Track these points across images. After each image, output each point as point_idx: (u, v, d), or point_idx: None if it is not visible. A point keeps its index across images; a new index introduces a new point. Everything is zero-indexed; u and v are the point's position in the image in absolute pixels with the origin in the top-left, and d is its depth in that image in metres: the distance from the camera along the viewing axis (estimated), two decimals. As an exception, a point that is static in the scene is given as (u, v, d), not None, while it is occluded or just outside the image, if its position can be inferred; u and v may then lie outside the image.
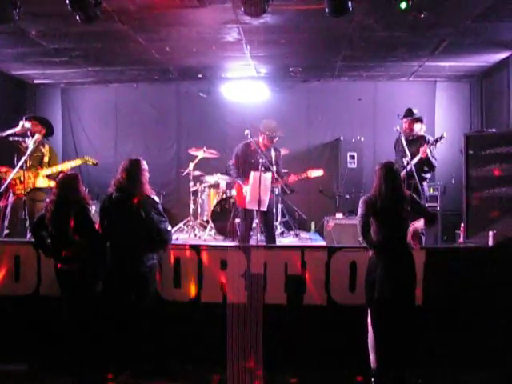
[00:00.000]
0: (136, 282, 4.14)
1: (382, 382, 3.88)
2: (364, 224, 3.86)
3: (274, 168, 6.02)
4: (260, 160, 5.72)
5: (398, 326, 3.80)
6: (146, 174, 4.27)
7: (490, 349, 4.31)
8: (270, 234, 6.13)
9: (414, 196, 4.10)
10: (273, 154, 6.12)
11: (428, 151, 5.72)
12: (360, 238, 4.05)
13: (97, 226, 4.30)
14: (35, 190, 6.10)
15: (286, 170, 6.61)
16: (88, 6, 4.64)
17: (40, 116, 6.53)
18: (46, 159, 6.23)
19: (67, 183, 4.26)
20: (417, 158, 5.73)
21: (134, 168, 4.22)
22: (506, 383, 4.22)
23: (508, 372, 4.21)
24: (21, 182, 5.89)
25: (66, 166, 6.26)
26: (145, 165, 4.29)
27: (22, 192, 5.85)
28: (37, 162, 6.15)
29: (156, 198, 4.29)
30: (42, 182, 6.13)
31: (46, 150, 6.26)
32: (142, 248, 4.14)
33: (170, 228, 4.32)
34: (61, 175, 4.45)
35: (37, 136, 6.01)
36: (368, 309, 3.96)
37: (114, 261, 4.18)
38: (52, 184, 6.02)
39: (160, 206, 4.27)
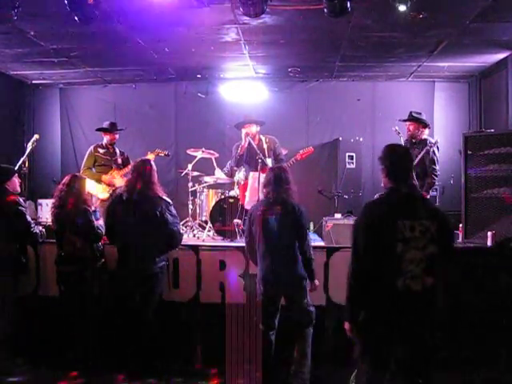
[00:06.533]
0: (147, 282, 4.09)
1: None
2: None
3: (268, 160, 6.03)
4: (257, 159, 5.75)
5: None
6: (156, 175, 4.25)
7: (490, 349, 4.31)
8: None
9: None
10: (265, 146, 6.13)
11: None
12: None
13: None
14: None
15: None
16: (86, 6, 4.63)
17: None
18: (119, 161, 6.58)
19: (74, 184, 4.26)
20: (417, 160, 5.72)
21: (145, 168, 4.17)
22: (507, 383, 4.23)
23: (509, 372, 4.22)
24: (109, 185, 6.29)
25: None
26: (154, 165, 4.26)
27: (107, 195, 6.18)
28: (114, 165, 6.48)
29: (169, 200, 4.25)
30: (120, 182, 6.26)
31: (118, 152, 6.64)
32: (155, 249, 4.10)
33: (182, 230, 4.28)
34: (71, 176, 4.43)
35: (35, 136, 6.06)
36: None
37: (125, 261, 4.13)
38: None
39: (173, 208, 4.23)
